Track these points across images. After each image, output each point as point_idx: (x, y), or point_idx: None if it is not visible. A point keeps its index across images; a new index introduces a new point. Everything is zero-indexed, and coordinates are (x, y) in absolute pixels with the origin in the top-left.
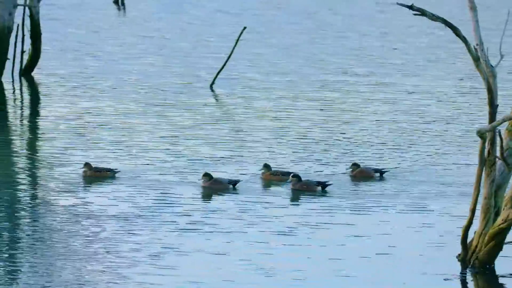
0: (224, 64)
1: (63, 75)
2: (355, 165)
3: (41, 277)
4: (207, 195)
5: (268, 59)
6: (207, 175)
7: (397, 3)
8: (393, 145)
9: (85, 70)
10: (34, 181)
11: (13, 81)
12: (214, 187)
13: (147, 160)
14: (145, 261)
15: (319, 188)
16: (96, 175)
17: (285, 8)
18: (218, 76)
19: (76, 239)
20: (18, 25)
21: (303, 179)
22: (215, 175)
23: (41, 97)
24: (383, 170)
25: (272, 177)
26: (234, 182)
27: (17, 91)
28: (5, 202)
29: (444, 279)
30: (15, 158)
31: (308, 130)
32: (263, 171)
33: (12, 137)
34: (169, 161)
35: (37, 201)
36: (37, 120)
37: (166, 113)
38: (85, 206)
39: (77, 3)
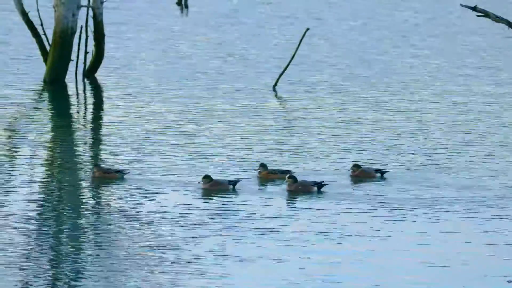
0: (287, 66)
1: (126, 77)
2: (356, 166)
3: (106, 283)
4: (291, 198)
5: (330, 60)
6: (207, 177)
7: (461, 5)
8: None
9: (148, 72)
10: (95, 183)
11: (76, 82)
12: (213, 188)
13: (209, 162)
14: (209, 268)
15: (315, 188)
16: (105, 177)
17: (340, 9)
18: (281, 78)
19: (137, 243)
20: (81, 26)
21: (305, 179)
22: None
23: (104, 98)
24: (384, 170)
25: (270, 175)
26: (234, 183)
27: (80, 92)
28: (68, 206)
29: (508, 281)
30: (77, 159)
31: (371, 129)
32: (259, 170)
33: (74, 138)
34: (231, 163)
35: (99, 203)
36: (99, 121)
37: (230, 116)
38: (146, 209)
39: (139, 5)
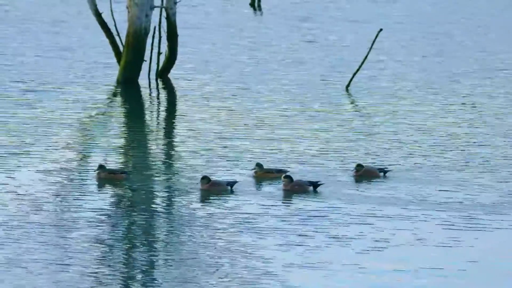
0: (360, 66)
1: (199, 78)
2: (359, 166)
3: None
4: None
5: (402, 61)
6: (205, 178)
7: None
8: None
9: (221, 73)
10: (169, 185)
11: (149, 83)
12: (212, 189)
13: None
14: (276, 271)
15: (311, 188)
16: (110, 177)
17: (412, 12)
18: (354, 79)
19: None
20: (154, 27)
21: (301, 179)
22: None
23: (177, 99)
24: (386, 169)
25: (267, 174)
26: (232, 184)
27: (153, 93)
28: (141, 205)
29: None
30: (150, 160)
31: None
32: (255, 169)
33: (147, 139)
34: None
35: (172, 204)
36: (172, 122)
37: (302, 117)
38: (210, 212)
39: (213, 6)
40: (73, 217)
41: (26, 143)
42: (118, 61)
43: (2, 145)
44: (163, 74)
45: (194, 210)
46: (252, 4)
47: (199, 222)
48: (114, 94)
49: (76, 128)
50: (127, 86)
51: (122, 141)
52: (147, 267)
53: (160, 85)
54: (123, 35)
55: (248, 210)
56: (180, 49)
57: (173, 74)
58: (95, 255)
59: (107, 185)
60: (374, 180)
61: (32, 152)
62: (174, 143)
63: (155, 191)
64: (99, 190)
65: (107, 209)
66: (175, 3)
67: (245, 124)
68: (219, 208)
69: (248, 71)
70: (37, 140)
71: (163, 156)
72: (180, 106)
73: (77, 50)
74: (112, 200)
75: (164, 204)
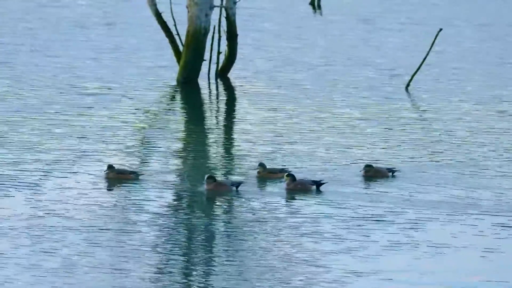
0: (420, 66)
1: (259, 78)
2: (368, 166)
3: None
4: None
5: (463, 61)
6: (211, 178)
7: None
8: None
9: (281, 73)
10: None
11: (209, 82)
12: (216, 189)
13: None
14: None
15: (314, 187)
16: (119, 177)
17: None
18: (413, 78)
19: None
20: (214, 26)
21: (303, 178)
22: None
23: (236, 99)
24: (394, 169)
25: (271, 174)
26: (237, 184)
27: (213, 92)
28: (198, 204)
29: None
30: (210, 161)
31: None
32: (258, 169)
33: (207, 139)
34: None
35: (231, 206)
36: (231, 122)
37: (364, 118)
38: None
39: (272, 5)
40: (132, 220)
41: (87, 146)
42: (178, 61)
43: (67, 149)
44: (222, 73)
45: (257, 211)
46: (312, 3)
47: (258, 226)
48: (174, 94)
49: (135, 127)
50: (187, 86)
51: (181, 142)
52: (209, 274)
53: (220, 85)
54: (183, 35)
55: (307, 213)
56: (239, 49)
57: (232, 74)
58: (153, 258)
59: (166, 187)
60: (381, 180)
61: (93, 155)
62: (233, 144)
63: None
64: (157, 192)
65: (172, 213)
66: (235, 2)
67: (305, 126)
68: (276, 210)
69: (308, 71)
70: (97, 142)
71: (221, 154)
72: (239, 106)
73: (136, 50)
74: (170, 203)
75: (225, 207)
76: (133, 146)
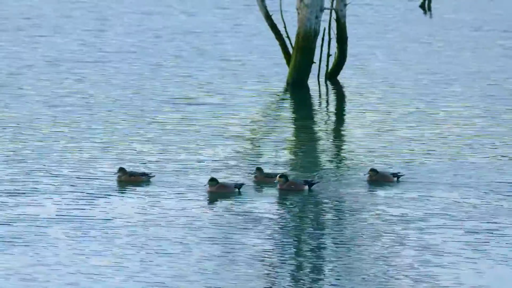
0: None
1: (369, 80)
2: (373, 171)
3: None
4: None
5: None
6: (213, 180)
7: None
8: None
9: (391, 77)
10: (334, 185)
11: (319, 85)
12: (219, 191)
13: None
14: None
15: (306, 187)
16: (131, 180)
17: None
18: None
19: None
20: (324, 28)
21: (296, 179)
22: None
23: (346, 101)
24: (399, 174)
25: (267, 179)
26: (240, 186)
27: (323, 95)
28: (298, 205)
29: None
30: (319, 164)
31: None
32: (256, 174)
33: (316, 141)
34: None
35: (341, 203)
36: (340, 125)
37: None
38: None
39: (382, 7)
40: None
41: (197, 148)
42: (288, 63)
43: (169, 159)
44: (332, 76)
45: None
46: (422, 6)
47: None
48: (284, 96)
49: (245, 129)
50: (296, 88)
51: (289, 144)
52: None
53: (330, 87)
54: (293, 37)
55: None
56: (350, 51)
57: (342, 76)
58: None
59: (265, 190)
60: (386, 185)
61: (203, 159)
62: (341, 145)
63: (324, 197)
64: (275, 197)
65: (285, 216)
66: (345, 5)
67: (418, 132)
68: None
69: (418, 76)
70: (205, 145)
71: (331, 156)
72: (349, 109)
73: (245, 52)
74: (270, 203)
75: (334, 212)
76: (240, 150)
